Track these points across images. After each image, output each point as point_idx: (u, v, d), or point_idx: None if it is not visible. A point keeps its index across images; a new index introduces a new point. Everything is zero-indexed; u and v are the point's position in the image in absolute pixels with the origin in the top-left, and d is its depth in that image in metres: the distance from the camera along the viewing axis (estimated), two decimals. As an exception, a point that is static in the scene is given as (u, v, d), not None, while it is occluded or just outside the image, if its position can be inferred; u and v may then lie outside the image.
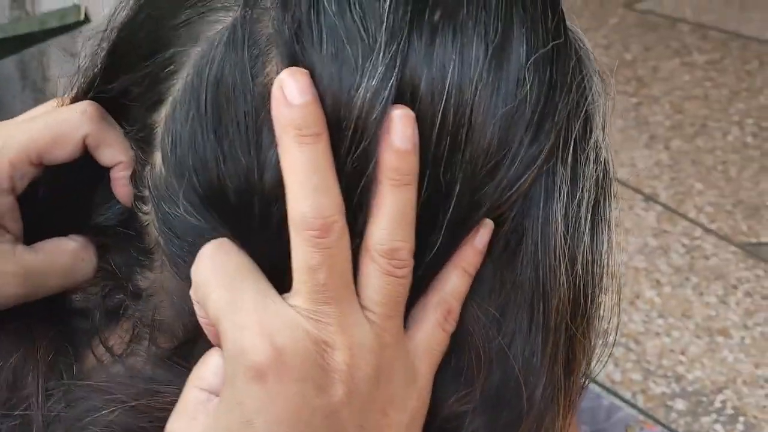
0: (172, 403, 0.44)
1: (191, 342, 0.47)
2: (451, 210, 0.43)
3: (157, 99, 0.46)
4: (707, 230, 2.16)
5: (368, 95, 0.41)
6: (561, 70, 0.46)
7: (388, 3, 0.42)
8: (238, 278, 0.42)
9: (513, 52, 0.44)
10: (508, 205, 0.45)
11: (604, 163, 0.48)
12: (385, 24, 0.41)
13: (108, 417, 0.45)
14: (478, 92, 0.43)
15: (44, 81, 1.87)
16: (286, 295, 0.42)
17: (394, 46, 0.41)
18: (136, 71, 0.47)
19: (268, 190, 0.42)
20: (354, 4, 0.42)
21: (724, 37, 2.76)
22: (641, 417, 1.75)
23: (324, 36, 0.42)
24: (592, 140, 0.47)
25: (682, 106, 2.55)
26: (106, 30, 0.51)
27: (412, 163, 0.42)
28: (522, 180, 0.44)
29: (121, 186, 0.50)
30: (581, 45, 0.49)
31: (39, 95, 1.92)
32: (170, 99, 0.45)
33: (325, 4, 0.42)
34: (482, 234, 0.45)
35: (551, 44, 0.45)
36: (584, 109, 0.47)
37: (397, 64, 0.41)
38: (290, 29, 0.42)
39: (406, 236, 0.42)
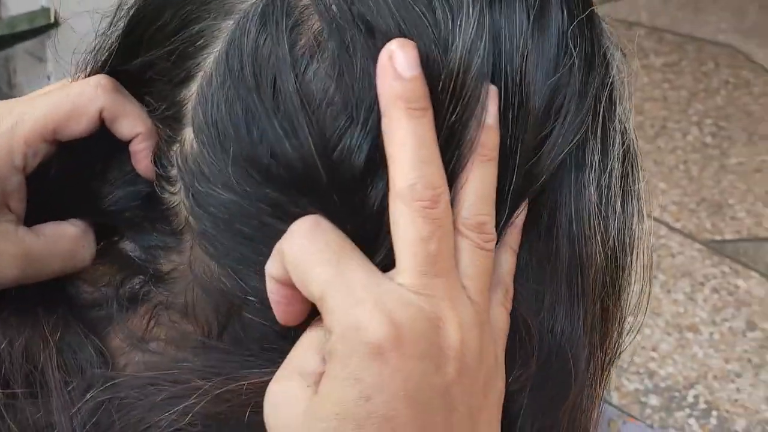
0: (250, 388, 0.43)
1: (226, 325, 0.46)
2: (513, 182, 0.44)
3: (186, 75, 0.45)
4: (672, 229, 2.19)
5: (462, 64, 0.41)
6: (595, 40, 0.46)
7: None
8: (345, 255, 0.41)
9: (552, 20, 0.44)
10: (549, 177, 0.45)
11: (630, 136, 0.49)
12: None
13: (193, 407, 0.44)
14: (526, 59, 0.43)
15: (10, 87, 1.84)
16: (389, 273, 0.42)
17: (477, 8, 0.42)
18: (160, 48, 0.47)
19: (337, 163, 0.42)
20: None
21: (679, 40, 2.81)
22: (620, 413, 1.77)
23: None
24: (618, 113, 0.48)
25: (642, 107, 2.59)
26: (118, 9, 0.50)
27: (496, 139, 0.42)
28: (569, 151, 0.45)
29: (142, 158, 0.49)
30: (601, 19, 0.49)
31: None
32: (201, 74, 0.45)
33: None
34: (521, 212, 0.45)
35: (586, 12, 0.45)
36: (611, 81, 0.47)
37: (485, 27, 0.42)
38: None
39: (490, 210, 0.43)
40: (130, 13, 0.49)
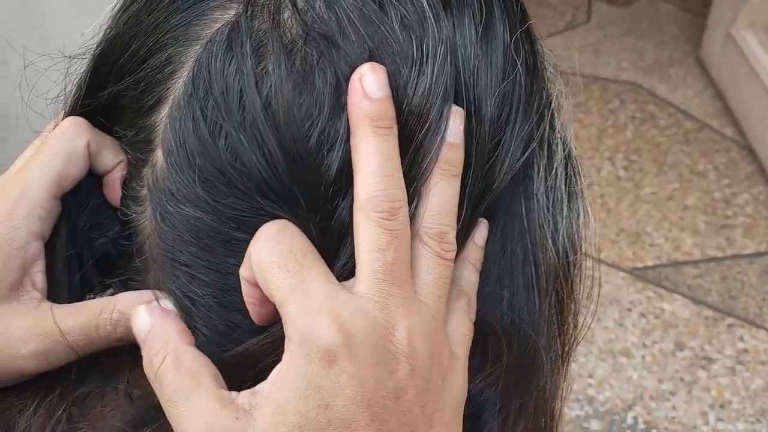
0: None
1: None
2: (470, 187, 0.46)
3: (156, 100, 0.47)
4: (597, 260, 2.26)
5: (425, 92, 0.44)
6: (536, 53, 0.50)
7: None
8: (306, 264, 0.42)
9: (497, 32, 0.47)
10: (503, 185, 0.48)
11: (569, 143, 0.52)
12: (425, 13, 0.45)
13: None
14: (477, 70, 0.46)
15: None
16: (348, 282, 0.44)
17: (443, 35, 0.45)
18: (128, 77, 0.48)
19: (308, 175, 0.44)
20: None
21: (584, 81, 2.92)
22: (565, 438, 1.81)
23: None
24: (559, 122, 0.51)
25: (556, 147, 2.67)
26: (84, 54, 0.51)
27: (461, 156, 0.45)
28: (520, 158, 0.48)
29: (117, 186, 0.50)
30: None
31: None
32: (171, 97, 0.46)
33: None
34: (481, 230, 0.48)
35: (525, 25, 0.49)
36: (550, 92, 0.51)
37: (448, 53, 0.45)
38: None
39: (451, 222, 0.45)
40: (97, 53, 0.51)
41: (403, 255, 0.43)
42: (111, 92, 0.49)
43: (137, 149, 0.49)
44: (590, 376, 1.96)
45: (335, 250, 0.45)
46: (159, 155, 0.47)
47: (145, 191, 0.48)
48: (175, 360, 0.43)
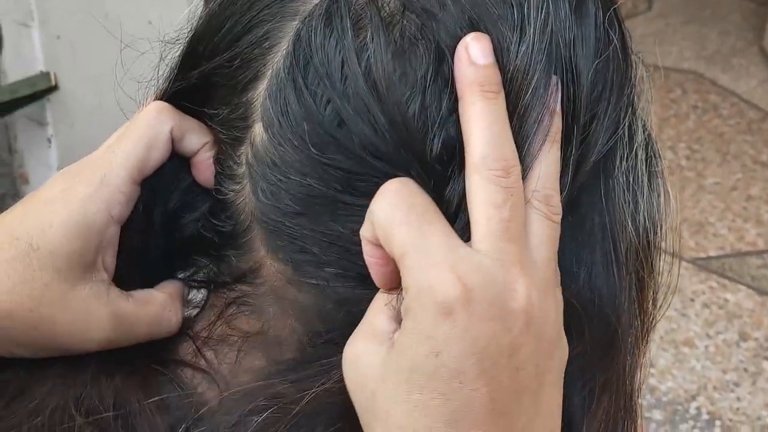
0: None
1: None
2: (570, 160, 0.47)
3: (254, 75, 0.48)
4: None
5: (527, 54, 0.45)
6: (624, 35, 0.50)
7: None
8: (427, 218, 0.43)
9: (589, 11, 0.48)
10: (598, 157, 0.48)
11: (649, 126, 0.53)
12: None
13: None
14: (573, 42, 0.47)
15: (11, 153, 1.84)
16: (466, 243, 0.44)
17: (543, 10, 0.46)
18: (221, 55, 0.49)
19: (408, 139, 0.45)
20: None
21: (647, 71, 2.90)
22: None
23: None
24: (640, 105, 0.52)
25: (617, 136, 2.65)
26: (178, 38, 0.53)
27: (560, 124, 0.46)
28: (612, 135, 0.48)
29: (206, 168, 0.51)
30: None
31: (4, 168, 1.89)
32: (269, 72, 0.47)
33: None
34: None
35: (614, 6, 0.50)
36: (635, 74, 0.51)
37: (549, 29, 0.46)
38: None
39: (556, 186, 0.46)
40: (191, 35, 0.52)
41: (518, 212, 0.44)
42: (203, 71, 0.50)
43: (233, 127, 0.50)
44: (652, 366, 1.95)
45: (452, 220, 0.45)
46: (258, 129, 0.48)
47: (243, 168, 0.49)
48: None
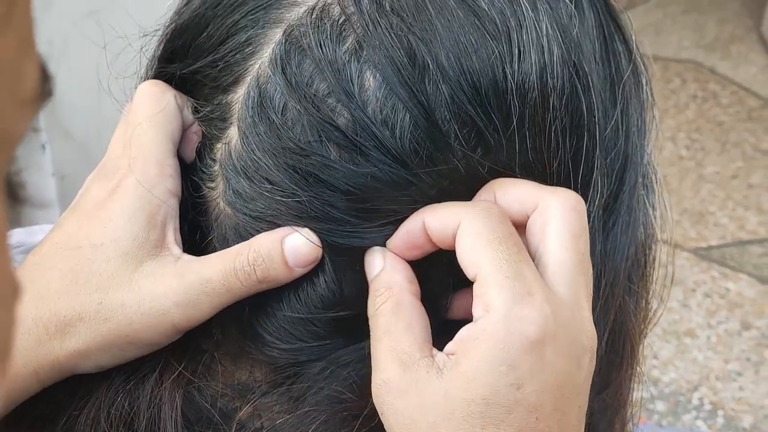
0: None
1: None
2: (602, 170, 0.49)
3: (234, 80, 0.48)
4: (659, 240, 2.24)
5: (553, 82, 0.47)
6: (626, 38, 0.52)
7: None
8: (522, 251, 0.44)
9: (586, 15, 0.49)
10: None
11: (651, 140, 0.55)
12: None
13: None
14: (581, 50, 0.48)
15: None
16: None
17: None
18: (205, 56, 0.50)
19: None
20: None
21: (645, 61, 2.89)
22: (629, 419, 1.80)
23: None
24: (648, 117, 0.54)
25: (616, 128, 2.65)
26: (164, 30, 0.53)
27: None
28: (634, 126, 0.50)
29: (195, 140, 0.51)
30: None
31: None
32: (249, 78, 0.48)
33: None
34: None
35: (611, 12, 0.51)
36: (644, 80, 0.54)
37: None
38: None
39: None
40: (174, 25, 0.52)
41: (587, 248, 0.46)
42: (190, 69, 0.51)
43: (212, 125, 0.50)
44: (654, 357, 1.95)
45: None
46: (233, 132, 0.48)
47: (216, 167, 0.49)
48: (394, 305, 0.45)
